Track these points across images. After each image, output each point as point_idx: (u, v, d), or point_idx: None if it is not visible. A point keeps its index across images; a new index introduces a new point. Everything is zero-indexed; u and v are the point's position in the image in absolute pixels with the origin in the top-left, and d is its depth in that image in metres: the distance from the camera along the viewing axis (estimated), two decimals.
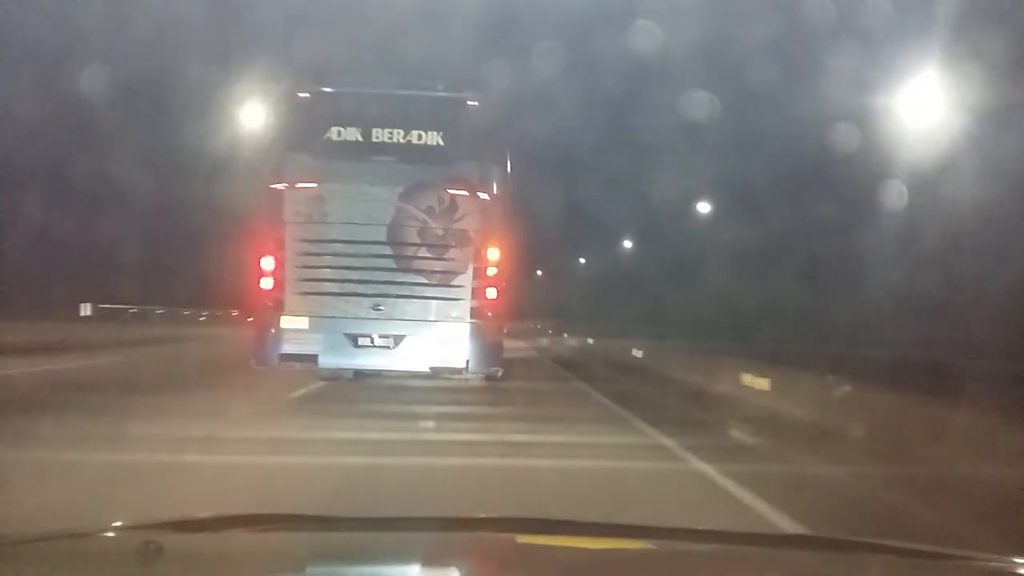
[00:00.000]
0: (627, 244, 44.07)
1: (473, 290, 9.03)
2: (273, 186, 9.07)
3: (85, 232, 30.93)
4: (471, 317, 9.00)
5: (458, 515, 2.80)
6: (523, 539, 2.07)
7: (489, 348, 9.22)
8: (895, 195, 19.75)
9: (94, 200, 32.36)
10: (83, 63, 24.55)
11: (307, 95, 9.25)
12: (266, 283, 9.00)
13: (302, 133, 9.10)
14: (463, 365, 8.98)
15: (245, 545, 1.96)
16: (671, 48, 22.30)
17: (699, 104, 23.94)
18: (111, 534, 1.99)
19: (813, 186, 24.01)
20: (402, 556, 2.01)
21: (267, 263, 9.01)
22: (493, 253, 9.16)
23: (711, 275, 26.70)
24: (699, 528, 2.45)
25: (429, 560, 1.98)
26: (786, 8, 23.38)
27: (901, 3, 18.63)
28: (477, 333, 9.01)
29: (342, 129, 9.07)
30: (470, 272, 9.03)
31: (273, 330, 8.91)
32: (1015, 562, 1.97)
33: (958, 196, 18.17)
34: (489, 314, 9.14)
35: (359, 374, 10.40)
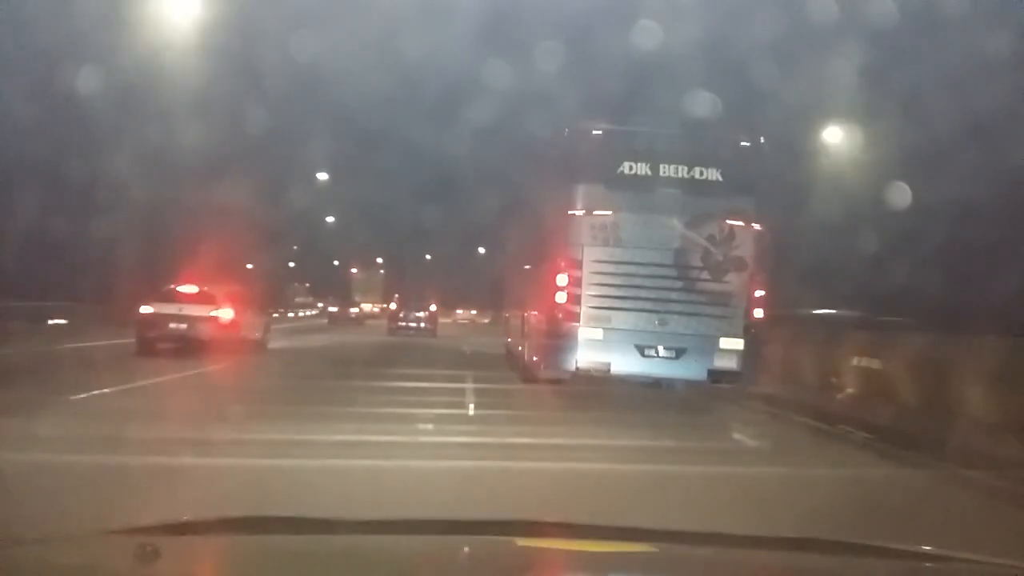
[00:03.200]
0: None
1: (745, 310, 10.18)
2: (571, 212, 10.30)
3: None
4: (744, 333, 10.15)
5: (459, 518, 2.83)
6: (523, 542, 2.07)
7: (757, 360, 10.39)
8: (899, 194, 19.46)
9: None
10: None
11: (600, 132, 10.47)
12: (561, 297, 10.25)
13: (596, 166, 10.31)
14: (737, 375, 10.13)
15: (242, 548, 1.97)
16: (671, 46, 21.72)
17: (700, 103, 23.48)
18: (109, 537, 2.00)
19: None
20: (401, 559, 1.99)
21: (562, 279, 10.26)
22: (762, 277, 10.31)
23: None
24: (701, 531, 2.42)
25: (428, 563, 1.98)
26: (788, 5, 23.02)
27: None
28: (749, 347, 10.15)
29: (633, 164, 10.27)
30: (744, 294, 10.18)
31: (569, 340, 10.14)
32: (1020, 567, 1.97)
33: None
34: (755, 331, 10.29)
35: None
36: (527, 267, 13.44)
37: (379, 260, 67.52)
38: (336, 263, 65.32)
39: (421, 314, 31.50)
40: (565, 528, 2.25)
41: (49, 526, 3.44)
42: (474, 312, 55.00)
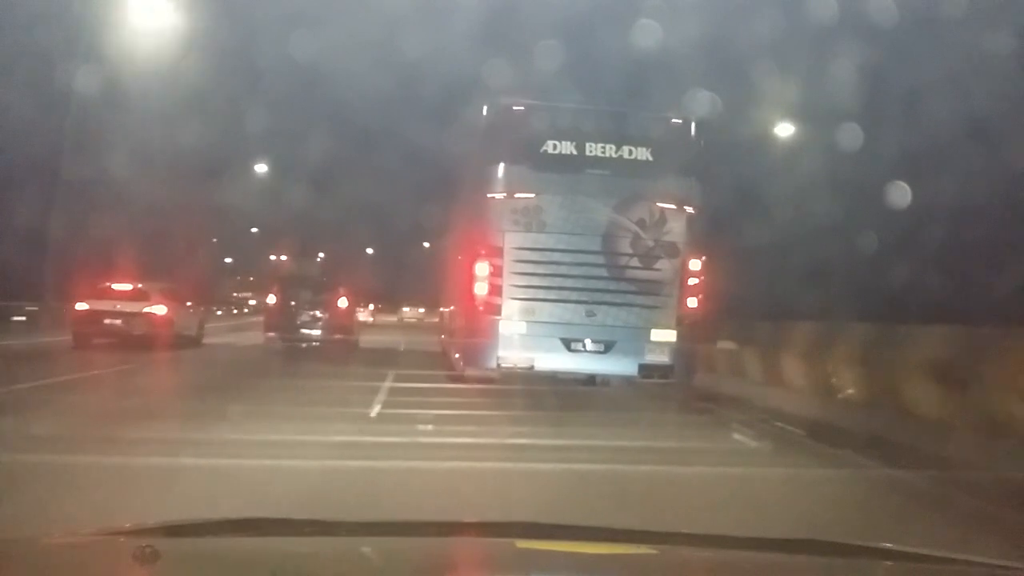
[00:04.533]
0: None
1: (678, 299, 9.48)
2: (491, 195, 9.54)
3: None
4: (676, 324, 9.44)
5: (457, 519, 2.79)
6: (523, 544, 2.07)
7: (691, 353, 9.70)
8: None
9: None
10: None
11: (521, 108, 9.70)
12: (481, 289, 9.49)
13: (518, 145, 9.55)
14: (669, 370, 9.42)
15: (241, 549, 1.95)
16: (671, 45, 21.50)
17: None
18: (107, 538, 1.98)
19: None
20: (399, 561, 1.98)
21: (482, 269, 9.49)
22: (696, 264, 9.60)
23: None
24: (701, 533, 2.41)
25: (427, 565, 1.97)
26: (787, 5, 22.58)
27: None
28: (682, 339, 9.45)
29: (557, 143, 9.51)
30: (676, 282, 9.47)
31: (490, 335, 9.38)
32: (1019, 568, 1.93)
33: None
34: (688, 322, 9.58)
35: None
36: (452, 257, 12.64)
37: (369, 251, 58.52)
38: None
39: (319, 314, 19.10)
40: (564, 530, 2.21)
41: None
42: (422, 310, 52.14)
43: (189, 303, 19.25)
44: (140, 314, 16.21)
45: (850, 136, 20.48)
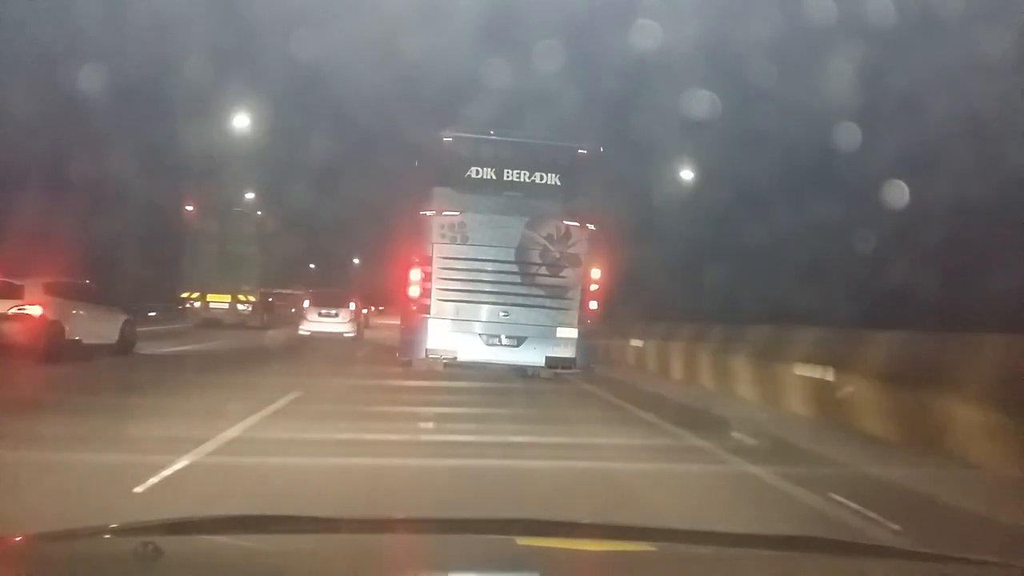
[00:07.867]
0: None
1: (580, 302, 11.31)
2: (423, 213, 11.23)
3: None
4: (578, 323, 11.28)
5: (458, 516, 2.88)
6: (523, 541, 2.08)
7: (591, 348, 11.56)
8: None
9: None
10: None
11: (451, 139, 11.42)
12: (414, 291, 11.17)
13: (447, 171, 11.26)
14: (572, 361, 11.26)
15: (243, 547, 1.97)
16: (671, 46, 22.20)
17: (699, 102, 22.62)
18: (109, 535, 2.00)
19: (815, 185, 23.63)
20: (401, 558, 2.02)
21: (416, 275, 11.18)
22: (596, 273, 11.47)
23: (712, 272, 25.95)
24: (700, 530, 2.45)
25: (428, 562, 2.01)
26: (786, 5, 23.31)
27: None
28: (583, 336, 11.31)
29: (480, 169, 11.26)
30: (578, 288, 11.31)
31: (420, 330, 11.08)
32: (1021, 566, 2.00)
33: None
34: (589, 321, 11.45)
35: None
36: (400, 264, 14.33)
37: (355, 260, 57.17)
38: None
39: None
40: (565, 527, 2.28)
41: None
42: None
43: (80, 305, 13.19)
44: (6, 316, 11.87)
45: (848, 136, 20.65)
